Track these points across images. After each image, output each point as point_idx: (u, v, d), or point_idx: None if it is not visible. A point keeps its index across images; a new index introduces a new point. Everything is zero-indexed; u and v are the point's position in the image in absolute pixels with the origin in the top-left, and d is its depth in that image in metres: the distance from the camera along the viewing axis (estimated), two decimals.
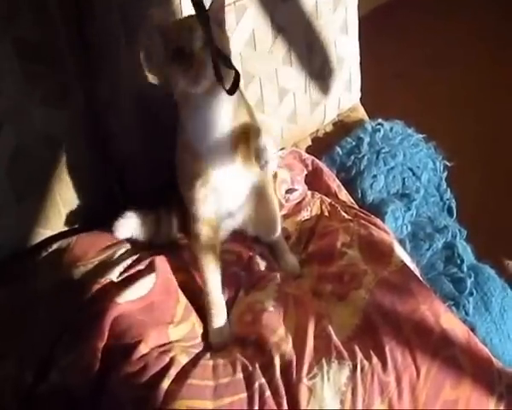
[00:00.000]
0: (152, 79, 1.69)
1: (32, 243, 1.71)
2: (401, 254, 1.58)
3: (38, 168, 1.66)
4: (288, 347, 1.41)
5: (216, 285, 1.54)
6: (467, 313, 1.70)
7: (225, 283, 1.57)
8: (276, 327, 1.46)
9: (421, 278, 1.56)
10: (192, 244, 1.59)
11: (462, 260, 1.80)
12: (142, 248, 1.63)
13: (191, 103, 1.44)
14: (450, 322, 1.45)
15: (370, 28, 2.21)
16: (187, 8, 1.66)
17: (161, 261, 1.56)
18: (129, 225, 1.61)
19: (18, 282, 1.59)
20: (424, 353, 1.39)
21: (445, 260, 1.80)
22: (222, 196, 1.53)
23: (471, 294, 1.74)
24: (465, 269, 1.79)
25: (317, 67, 1.99)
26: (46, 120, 1.64)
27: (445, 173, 2.06)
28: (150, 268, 1.53)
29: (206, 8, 1.35)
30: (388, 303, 1.46)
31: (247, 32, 1.82)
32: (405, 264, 1.55)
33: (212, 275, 1.54)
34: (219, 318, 1.53)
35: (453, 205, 1.99)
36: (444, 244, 1.83)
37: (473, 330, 1.61)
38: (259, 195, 1.61)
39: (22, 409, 1.39)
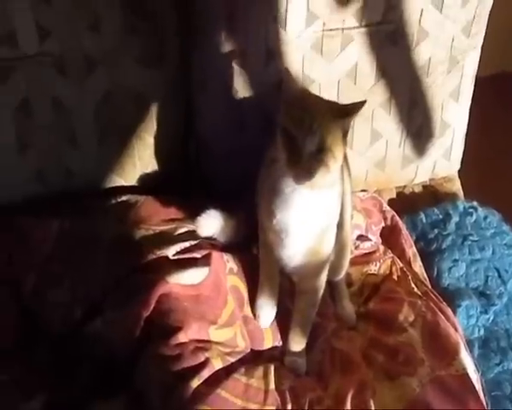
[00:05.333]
0: None
1: (105, 185, 1.78)
2: (465, 360, 1.47)
3: (122, 120, 1.72)
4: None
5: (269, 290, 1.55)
6: None
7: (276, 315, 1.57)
8: (313, 387, 1.43)
9: (481, 393, 1.45)
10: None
11: None
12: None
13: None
14: None
15: (486, 94, 2.07)
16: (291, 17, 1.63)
17: (218, 259, 1.54)
18: (212, 225, 1.59)
19: (86, 218, 1.64)
20: None
21: None
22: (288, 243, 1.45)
23: None
24: None
25: (417, 125, 1.91)
26: (138, 76, 1.70)
27: None
28: (206, 261, 1.51)
29: None
30: (438, 408, 1.37)
31: (350, 62, 1.75)
32: (467, 374, 1.43)
33: (267, 285, 1.56)
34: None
35: None
36: None
37: None
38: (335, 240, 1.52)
39: (68, 339, 1.46)
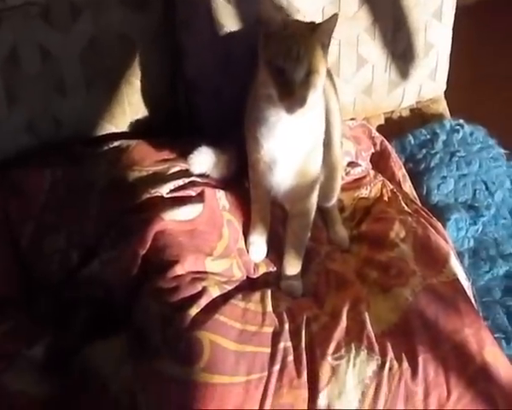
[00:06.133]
0: None
1: (96, 133, 1.78)
2: (456, 267, 1.52)
3: (109, 65, 1.73)
4: (318, 326, 1.40)
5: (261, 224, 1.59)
6: None
7: (269, 243, 1.60)
8: (309, 306, 1.46)
9: (472, 300, 1.50)
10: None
11: None
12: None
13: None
14: (495, 357, 1.38)
15: (472, 21, 2.05)
16: None
17: (211, 195, 1.56)
18: (204, 162, 1.61)
19: (77, 166, 1.65)
20: (459, 378, 1.35)
21: (504, 290, 1.69)
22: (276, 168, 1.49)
23: None
24: None
25: (402, 47, 1.93)
26: (123, 19, 1.70)
27: None
28: (200, 198, 1.54)
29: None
30: (431, 313, 1.41)
31: None
32: (458, 279, 1.49)
33: (258, 222, 1.59)
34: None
35: None
36: (506, 273, 1.73)
37: None
38: (325, 152, 1.54)
39: (66, 285, 1.50)
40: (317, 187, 1.53)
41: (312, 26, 1.36)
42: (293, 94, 1.32)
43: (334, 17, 1.34)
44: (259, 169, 1.50)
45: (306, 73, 1.32)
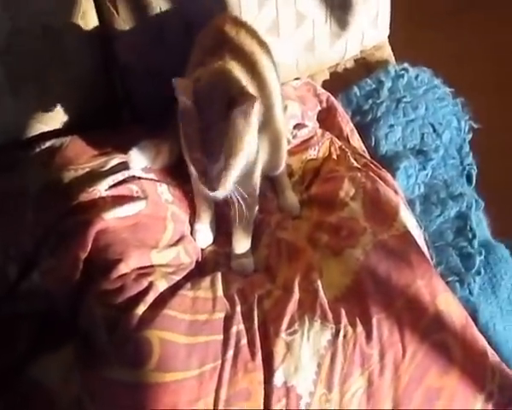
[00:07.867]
0: None
1: (26, 135, 1.70)
2: (406, 218, 1.51)
3: (34, 60, 1.63)
4: (270, 303, 1.37)
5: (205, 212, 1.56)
6: (471, 293, 1.61)
7: (217, 226, 1.59)
8: (261, 282, 1.43)
9: (424, 249, 1.48)
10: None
11: (474, 235, 1.69)
12: None
13: None
14: (447, 304, 1.38)
15: None
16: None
17: (152, 190, 1.52)
18: (144, 157, 1.54)
19: (9, 173, 1.57)
20: (413, 333, 1.34)
21: (456, 232, 1.69)
22: None
23: (478, 273, 1.64)
24: (476, 245, 1.68)
25: None
26: (43, 8, 1.59)
27: (470, 136, 1.91)
28: (142, 194, 1.50)
29: None
30: (383, 270, 1.39)
31: None
32: (408, 231, 1.47)
33: (203, 210, 1.55)
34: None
35: (473, 172, 1.86)
36: (457, 213, 1.72)
37: (475, 312, 1.54)
38: (266, 128, 1.48)
39: (6, 301, 1.42)
40: (257, 170, 1.47)
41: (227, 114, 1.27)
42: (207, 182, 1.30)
43: (251, 103, 1.26)
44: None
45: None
